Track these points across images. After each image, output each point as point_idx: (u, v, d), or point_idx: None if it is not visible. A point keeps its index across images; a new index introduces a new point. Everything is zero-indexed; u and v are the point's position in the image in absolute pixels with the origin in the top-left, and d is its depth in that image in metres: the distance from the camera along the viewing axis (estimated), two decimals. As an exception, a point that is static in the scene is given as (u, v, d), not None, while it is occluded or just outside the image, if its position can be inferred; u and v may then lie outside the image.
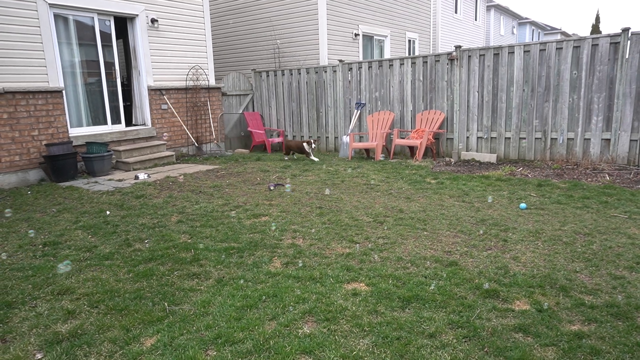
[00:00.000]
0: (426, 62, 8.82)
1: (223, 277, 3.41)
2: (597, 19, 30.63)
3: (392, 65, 9.27)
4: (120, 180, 7.08)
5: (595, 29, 29.20)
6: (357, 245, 4.06)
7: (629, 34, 6.76)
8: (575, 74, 7.25)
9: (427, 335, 2.55)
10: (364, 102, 9.72)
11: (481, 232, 4.30)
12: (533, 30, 32.07)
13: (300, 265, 3.62)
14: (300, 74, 10.64)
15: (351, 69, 9.88)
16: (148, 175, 7.30)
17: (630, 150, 6.99)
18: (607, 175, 6.46)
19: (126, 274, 3.52)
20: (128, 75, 9.72)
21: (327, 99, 10.32)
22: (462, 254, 3.77)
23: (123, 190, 6.33)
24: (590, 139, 7.29)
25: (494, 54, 7.95)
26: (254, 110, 11.56)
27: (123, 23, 9.01)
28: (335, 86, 10.15)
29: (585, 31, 39.39)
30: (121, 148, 8.32)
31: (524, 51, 7.64)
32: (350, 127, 9.79)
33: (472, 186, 6.08)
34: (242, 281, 3.31)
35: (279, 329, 2.64)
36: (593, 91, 7.16)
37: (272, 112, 11.30)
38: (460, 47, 8.36)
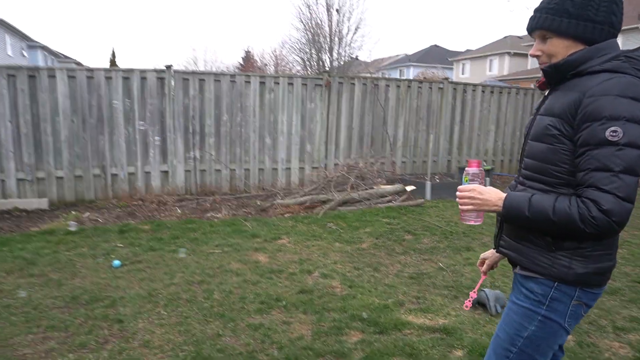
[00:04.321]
0: None
1: None
2: (114, 54, 32.24)
3: None
4: None
5: (113, 63, 30.57)
6: None
7: (172, 71, 7.05)
8: (128, 105, 6.87)
9: None
10: None
11: (80, 318, 3.09)
12: (46, 56, 29.88)
13: None
14: None
15: None
16: None
17: (186, 180, 7.34)
18: (177, 208, 6.45)
19: None
20: None
21: None
22: (72, 367, 2.51)
23: None
24: (150, 172, 7.12)
25: (29, 76, 6.38)
26: None
27: None
28: None
29: (103, 64, 40.83)
30: None
31: (69, 76, 6.54)
32: None
33: (35, 250, 4.50)
34: None
35: None
36: (147, 124, 7.02)
37: None
38: (-25, 61, 6.22)
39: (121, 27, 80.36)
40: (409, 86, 8.69)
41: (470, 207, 1.47)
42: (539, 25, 1.43)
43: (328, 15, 26.90)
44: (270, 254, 4.54)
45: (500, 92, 9.74)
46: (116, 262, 4.11)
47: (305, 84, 7.82)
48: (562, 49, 1.41)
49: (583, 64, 1.37)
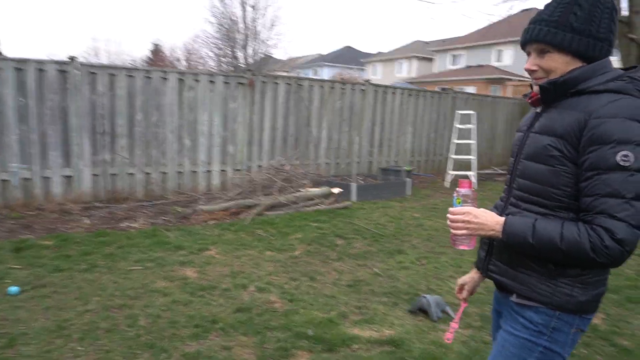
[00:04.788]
0: None
1: None
2: (-2, 41, 28.40)
3: None
4: None
5: (-4, 50, 26.95)
6: None
7: (77, 64, 6.27)
8: (22, 101, 5.98)
9: None
10: None
11: (-29, 362, 2.55)
12: None
13: None
14: None
15: None
16: None
17: (94, 186, 6.60)
18: (85, 218, 5.75)
19: None
20: None
21: None
22: None
23: None
24: (51, 177, 6.28)
25: None
26: None
27: None
28: None
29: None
30: None
31: (-57, 65, 5.52)
32: None
33: None
34: None
35: None
36: (47, 122, 6.17)
37: None
38: None
39: (4, 12, 71.49)
40: (332, 87, 8.67)
41: (464, 231, 1.36)
42: (540, 38, 1.33)
43: (242, 10, 26.34)
44: (198, 268, 4.17)
45: (417, 95, 10.13)
46: (13, 289, 3.49)
47: (228, 82, 7.44)
48: (561, 64, 1.33)
49: (583, 82, 1.31)
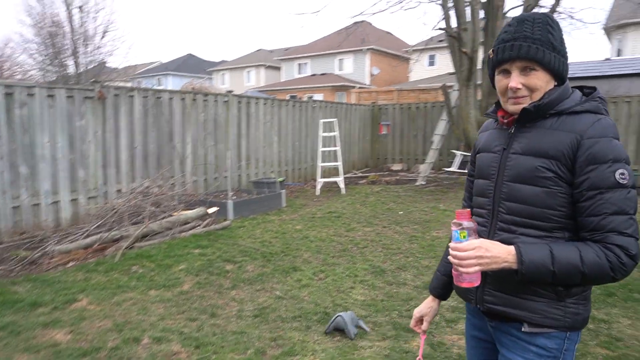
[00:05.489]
0: None
1: None
2: None
3: None
4: None
5: None
6: None
7: None
8: None
9: None
10: None
11: None
12: None
13: None
14: None
15: None
16: None
17: None
18: None
19: None
20: None
21: None
22: None
23: None
24: None
25: None
26: None
27: None
28: None
29: None
30: None
31: None
32: None
33: None
34: None
35: None
36: None
37: None
38: None
39: None
40: (194, 99, 8.13)
41: (476, 267, 1.25)
42: (531, 55, 1.29)
43: (68, 12, 23.31)
44: (70, 326, 3.42)
45: (279, 105, 10.15)
46: None
47: (72, 96, 6.39)
48: (544, 83, 1.32)
49: (560, 103, 1.33)
